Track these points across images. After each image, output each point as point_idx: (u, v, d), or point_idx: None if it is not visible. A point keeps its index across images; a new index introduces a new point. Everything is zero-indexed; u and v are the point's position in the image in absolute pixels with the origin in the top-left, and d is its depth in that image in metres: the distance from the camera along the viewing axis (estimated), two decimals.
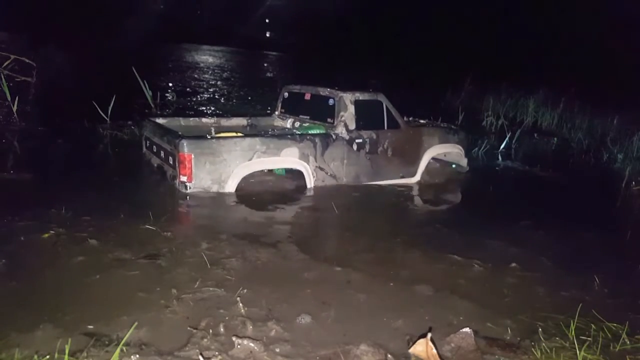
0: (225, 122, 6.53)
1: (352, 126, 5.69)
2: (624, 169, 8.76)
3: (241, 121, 6.59)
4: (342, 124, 5.63)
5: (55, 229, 3.67)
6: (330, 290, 3.13)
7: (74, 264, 3.19)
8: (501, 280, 3.63)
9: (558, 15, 23.13)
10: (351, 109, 5.65)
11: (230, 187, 5.01)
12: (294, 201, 5.30)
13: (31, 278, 2.95)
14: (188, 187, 4.80)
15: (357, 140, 5.73)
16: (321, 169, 5.55)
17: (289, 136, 5.45)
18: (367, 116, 5.77)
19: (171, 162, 5.01)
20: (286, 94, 6.66)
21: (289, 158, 5.31)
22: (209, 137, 5.00)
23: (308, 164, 5.44)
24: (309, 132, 5.69)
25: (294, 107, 6.48)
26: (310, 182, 5.51)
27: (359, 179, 5.88)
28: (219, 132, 5.38)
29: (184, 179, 4.78)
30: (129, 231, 3.82)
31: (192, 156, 4.73)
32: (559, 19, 23.03)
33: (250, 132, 5.79)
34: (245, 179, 5.18)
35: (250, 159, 5.05)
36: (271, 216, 4.75)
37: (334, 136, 5.60)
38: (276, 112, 6.80)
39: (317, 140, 5.46)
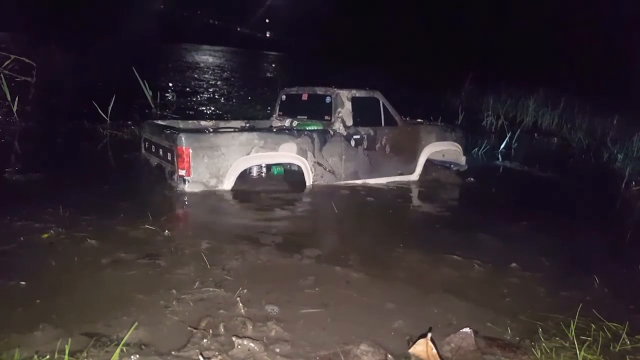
0: (223, 124, 6.54)
1: (350, 122, 5.70)
2: (624, 168, 8.76)
3: (239, 124, 6.60)
4: (340, 120, 5.65)
5: (54, 229, 3.66)
6: (330, 290, 3.13)
7: (74, 264, 3.19)
8: (501, 280, 3.62)
9: (558, 15, 23.12)
10: (348, 105, 5.67)
11: (229, 182, 5.01)
12: (294, 200, 5.30)
13: (31, 278, 2.95)
14: (186, 182, 4.80)
15: (354, 137, 5.74)
16: (319, 164, 5.55)
17: (286, 131, 5.46)
18: (364, 113, 5.80)
19: (170, 159, 5.01)
20: (284, 97, 6.68)
21: (286, 153, 5.32)
22: (207, 131, 5.00)
23: (306, 159, 5.44)
24: (307, 128, 5.70)
25: (291, 108, 6.50)
26: (309, 178, 5.51)
27: (357, 176, 5.88)
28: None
29: (182, 172, 4.77)
30: (128, 231, 3.82)
31: (191, 150, 4.73)
32: (559, 18, 23.03)
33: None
34: (243, 176, 5.18)
35: (248, 154, 5.06)
36: (271, 215, 4.75)
37: (331, 132, 5.60)
38: (274, 115, 6.81)
39: (314, 135, 5.47)
